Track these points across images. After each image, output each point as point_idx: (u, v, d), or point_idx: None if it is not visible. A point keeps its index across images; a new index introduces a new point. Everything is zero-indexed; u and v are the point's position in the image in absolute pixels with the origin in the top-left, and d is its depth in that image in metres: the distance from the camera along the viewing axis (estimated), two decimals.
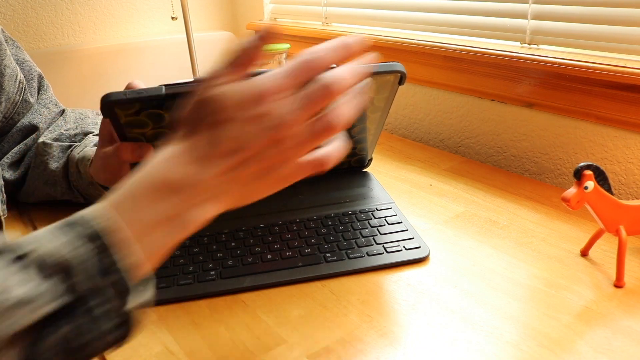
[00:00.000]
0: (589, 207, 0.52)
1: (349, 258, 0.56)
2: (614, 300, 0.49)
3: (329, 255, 0.57)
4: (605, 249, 0.57)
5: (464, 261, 0.57)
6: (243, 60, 0.37)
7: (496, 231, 0.62)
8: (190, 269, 0.55)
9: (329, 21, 1.20)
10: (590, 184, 0.50)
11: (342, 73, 0.37)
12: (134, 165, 0.60)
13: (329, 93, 0.36)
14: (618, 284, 0.51)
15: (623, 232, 0.52)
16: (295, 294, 0.53)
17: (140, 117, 0.54)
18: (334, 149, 0.39)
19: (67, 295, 0.33)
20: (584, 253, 0.57)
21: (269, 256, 0.57)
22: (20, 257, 0.34)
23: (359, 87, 0.38)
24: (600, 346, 0.44)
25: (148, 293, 0.35)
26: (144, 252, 0.35)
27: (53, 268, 0.33)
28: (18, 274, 0.33)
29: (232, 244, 0.59)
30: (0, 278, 0.32)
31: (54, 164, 0.70)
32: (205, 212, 0.36)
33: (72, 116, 0.77)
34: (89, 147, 0.69)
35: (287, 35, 1.25)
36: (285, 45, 1.09)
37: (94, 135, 0.73)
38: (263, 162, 0.36)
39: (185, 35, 1.14)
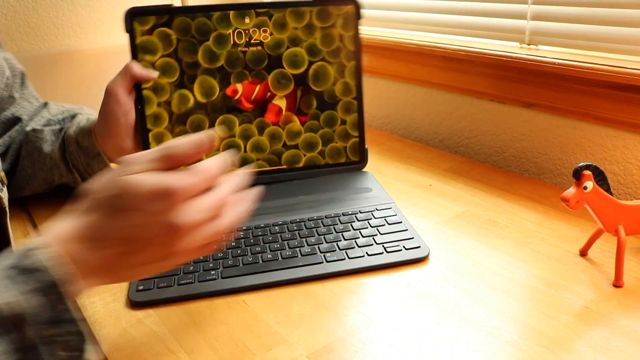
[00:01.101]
0: (588, 207, 0.52)
1: (349, 258, 0.57)
2: (613, 300, 0.50)
3: (329, 255, 0.57)
4: (604, 248, 0.58)
5: (463, 261, 0.57)
6: (175, 159, 0.39)
7: (496, 231, 0.63)
8: (191, 268, 0.55)
9: None
10: (589, 184, 0.51)
11: (235, 183, 0.42)
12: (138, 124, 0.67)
13: (223, 204, 0.41)
14: (617, 283, 0.52)
15: (622, 232, 0.52)
16: (295, 294, 0.53)
17: (152, 38, 0.66)
18: (218, 232, 0.41)
19: (22, 345, 0.34)
20: (583, 253, 0.57)
21: (269, 256, 0.57)
22: None
23: (249, 195, 0.43)
24: (599, 346, 0.44)
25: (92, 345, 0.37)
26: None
27: (9, 322, 0.33)
28: None
29: (233, 243, 0.59)
30: None
31: (48, 148, 0.71)
32: (89, 284, 0.38)
33: (55, 107, 0.79)
34: (82, 122, 0.71)
35: None
36: None
37: (81, 114, 0.74)
38: (153, 254, 0.39)
39: None
